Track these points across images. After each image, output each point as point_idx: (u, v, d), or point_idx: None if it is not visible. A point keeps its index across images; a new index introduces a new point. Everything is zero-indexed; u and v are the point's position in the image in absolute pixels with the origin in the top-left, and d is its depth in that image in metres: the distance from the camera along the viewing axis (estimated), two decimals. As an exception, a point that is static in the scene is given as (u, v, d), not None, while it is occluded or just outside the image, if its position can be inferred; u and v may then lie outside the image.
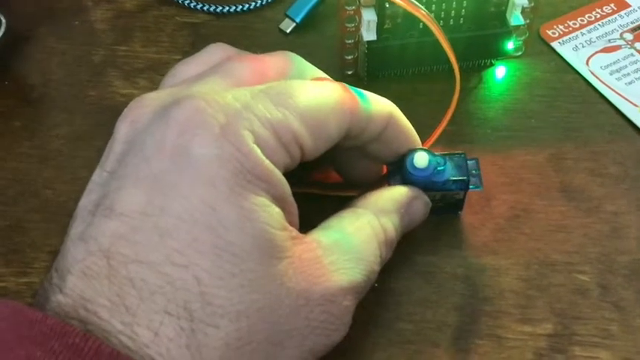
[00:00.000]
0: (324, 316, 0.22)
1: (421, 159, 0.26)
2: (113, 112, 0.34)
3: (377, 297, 0.27)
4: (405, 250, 0.27)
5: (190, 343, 0.19)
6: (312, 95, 0.23)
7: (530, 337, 0.26)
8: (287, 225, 0.22)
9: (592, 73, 0.34)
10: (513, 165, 0.31)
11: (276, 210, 0.21)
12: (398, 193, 0.26)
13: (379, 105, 0.25)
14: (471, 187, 0.27)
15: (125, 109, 0.23)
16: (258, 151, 0.21)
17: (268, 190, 0.21)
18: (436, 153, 0.27)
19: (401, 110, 0.26)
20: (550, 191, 0.30)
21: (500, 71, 0.34)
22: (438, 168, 0.26)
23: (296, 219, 0.23)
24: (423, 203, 0.26)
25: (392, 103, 0.26)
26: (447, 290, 0.27)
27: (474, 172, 0.27)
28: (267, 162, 0.21)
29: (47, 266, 0.29)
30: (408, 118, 0.26)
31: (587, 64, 0.34)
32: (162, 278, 0.20)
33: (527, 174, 0.31)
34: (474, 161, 0.27)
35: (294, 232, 0.22)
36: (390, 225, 0.25)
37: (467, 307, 0.27)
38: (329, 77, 0.26)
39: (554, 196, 0.30)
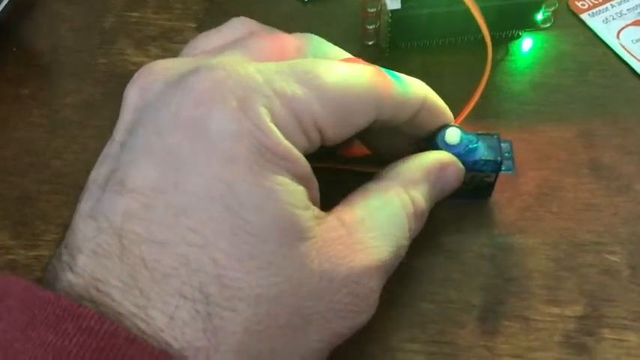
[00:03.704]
0: (348, 299, 0.21)
1: (453, 135, 0.25)
2: (124, 80, 0.32)
3: (399, 276, 0.25)
4: (428, 228, 0.26)
5: (207, 328, 0.18)
6: (340, 77, 0.22)
7: (559, 319, 0.25)
8: (310, 204, 0.21)
9: (623, 46, 0.33)
10: (541, 141, 0.30)
11: (299, 188, 0.20)
12: (427, 160, 0.25)
13: (413, 89, 0.24)
14: (502, 169, 0.26)
15: (135, 75, 0.22)
16: (276, 129, 0.20)
17: (289, 168, 0.20)
18: (468, 132, 0.25)
19: (425, 84, 0.25)
20: (579, 168, 0.29)
21: (526, 44, 0.33)
22: (470, 146, 0.25)
23: (317, 196, 0.22)
24: (455, 169, 0.25)
25: (426, 86, 0.24)
26: (472, 270, 0.26)
27: (507, 154, 0.26)
28: (285, 141, 0.20)
29: (57, 239, 0.28)
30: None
31: (617, 37, 0.33)
32: (177, 259, 0.19)
33: (555, 150, 0.29)
34: (507, 143, 0.26)
35: (317, 210, 0.21)
36: (419, 196, 0.24)
37: (493, 288, 0.26)
38: (359, 59, 0.24)
39: (584, 173, 0.29)
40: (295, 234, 0.20)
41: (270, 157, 0.20)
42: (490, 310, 0.25)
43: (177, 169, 0.19)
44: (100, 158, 0.21)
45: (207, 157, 0.19)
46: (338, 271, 0.20)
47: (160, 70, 0.22)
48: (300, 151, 0.21)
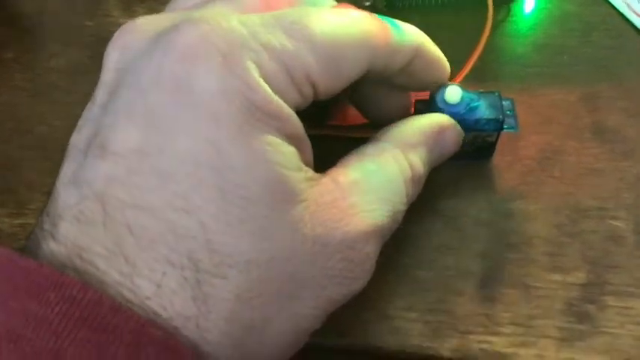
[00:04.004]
0: (342, 264, 0.20)
1: (453, 94, 0.24)
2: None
3: (395, 241, 0.25)
4: (426, 193, 0.25)
5: (196, 295, 0.18)
6: (331, 26, 0.20)
7: (561, 286, 0.24)
8: (302, 165, 0.20)
9: (628, 6, 0.32)
10: (543, 104, 0.29)
11: (290, 149, 0.19)
12: (426, 122, 0.24)
13: (408, 36, 0.23)
14: (505, 127, 0.25)
15: (115, 33, 0.21)
16: (266, 85, 0.19)
17: (280, 128, 0.19)
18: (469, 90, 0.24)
19: (421, 31, 0.24)
20: (582, 132, 0.28)
21: (528, 4, 0.32)
22: (471, 105, 0.24)
23: (310, 158, 0.21)
24: (454, 132, 0.24)
25: (422, 33, 0.23)
26: (471, 236, 0.26)
27: (508, 112, 0.25)
28: (276, 98, 0.19)
29: (43, 207, 0.27)
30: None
31: (623, -4, 0.32)
32: (163, 225, 0.18)
33: (558, 113, 0.28)
34: (509, 101, 0.25)
35: (310, 172, 0.20)
36: (417, 160, 0.23)
37: (492, 254, 0.25)
38: (348, 4, 0.23)
39: (587, 137, 0.28)
40: (286, 197, 0.19)
41: (259, 116, 0.18)
42: (489, 278, 0.25)
43: (161, 131, 0.18)
44: (81, 122, 0.20)
45: (193, 117, 0.18)
46: (332, 236, 0.20)
47: (141, 27, 0.20)
48: (291, 107, 0.20)
